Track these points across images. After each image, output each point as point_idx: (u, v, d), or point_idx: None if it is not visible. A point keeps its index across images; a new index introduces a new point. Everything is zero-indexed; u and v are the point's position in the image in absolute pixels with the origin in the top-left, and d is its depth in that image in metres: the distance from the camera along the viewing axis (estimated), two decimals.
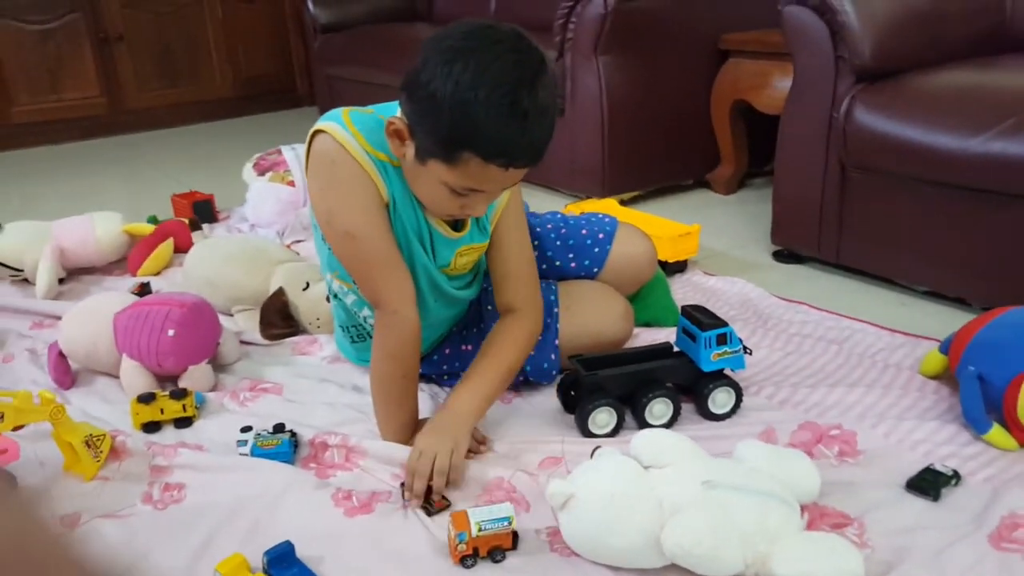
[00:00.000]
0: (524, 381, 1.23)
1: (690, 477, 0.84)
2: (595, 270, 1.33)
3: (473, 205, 0.97)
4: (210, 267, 1.50)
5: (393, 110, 1.00)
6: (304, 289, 1.44)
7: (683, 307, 1.18)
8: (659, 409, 1.12)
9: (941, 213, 1.41)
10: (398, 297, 1.02)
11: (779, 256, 1.77)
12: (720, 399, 1.14)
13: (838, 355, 1.29)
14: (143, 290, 1.63)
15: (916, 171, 1.40)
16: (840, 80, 1.49)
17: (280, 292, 1.43)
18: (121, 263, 1.83)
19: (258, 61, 3.87)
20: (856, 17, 1.42)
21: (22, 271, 1.71)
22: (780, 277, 1.68)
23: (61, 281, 1.73)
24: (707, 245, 1.87)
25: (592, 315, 1.26)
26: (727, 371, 1.15)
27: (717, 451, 1.00)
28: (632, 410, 1.12)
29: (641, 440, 0.88)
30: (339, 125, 0.98)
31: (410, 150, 0.94)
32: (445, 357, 1.24)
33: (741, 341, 1.15)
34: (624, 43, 2.01)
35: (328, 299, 1.28)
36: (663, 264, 1.62)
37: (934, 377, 1.20)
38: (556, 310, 1.23)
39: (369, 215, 0.99)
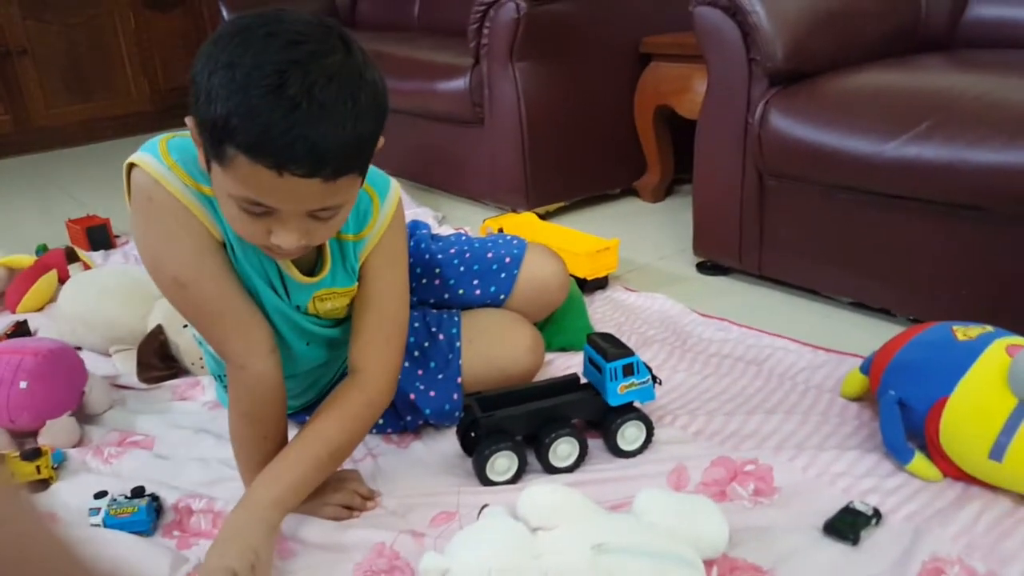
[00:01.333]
0: (425, 423, 1.13)
1: (580, 541, 0.75)
2: (501, 297, 1.23)
3: (277, 231, 0.77)
4: (83, 304, 1.37)
5: None
6: (185, 326, 1.31)
7: (589, 335, 1.10)
8: (564, 450, 1.03)
9: (860, 221, 1.35)
10: (244, 349, 0.88)
11: (703, 268, 1.70)
12: (630, 434, 1.05)
13: (757, 377, 1.22)
14: (19, 329, 1.49)
15: (832, 178, 1.34)
16: (754, 84, 1.43)
17: (158, 330, 1.31)
18: (0, 299, 1.68)
19: (177, 72, 3.70)
20: (767, 18, 1.36)
21: None
22: (702, 290, 1.61)
23: None
24: (631, 258, 1.79)
25: (498, 348, 1.16)
26: (636, 403, 1.06)
27: (624, 495, 0.92)
28: (536, 451, 1.03)
29: (528, 500, 0.79)
30: (153, 157, 0.83)
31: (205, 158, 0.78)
32: None
33: (650, 370, 1.06)
34: (540, 49, 1.92)
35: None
36: (582, 282, 1.54)
37: (856, 399, 1.13)
38: (458, 344, 1.13)
39: (198, 258, 0.85)
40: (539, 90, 1.96)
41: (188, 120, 0.77)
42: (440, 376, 1.12)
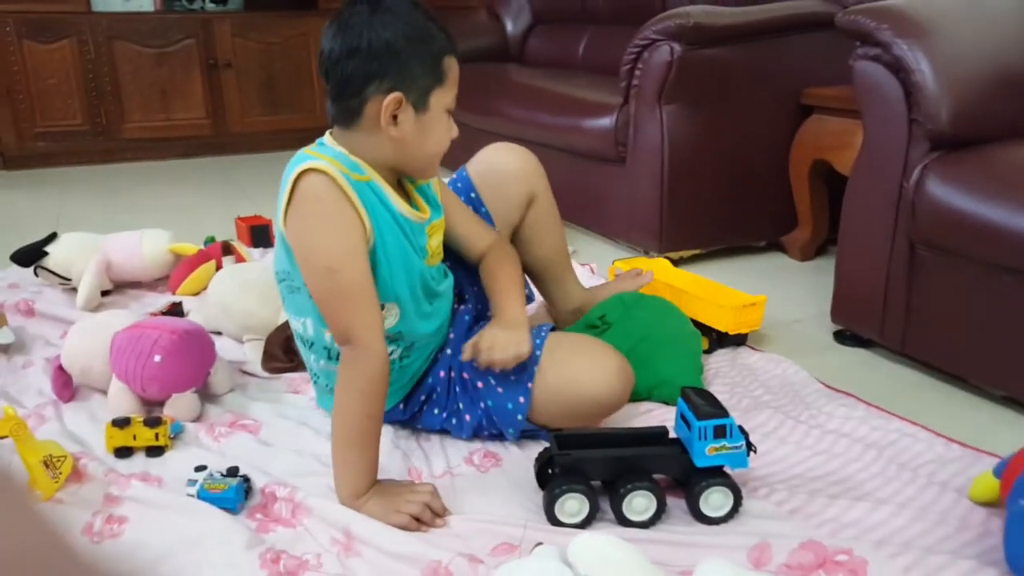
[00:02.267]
0: (488, 423, 1.14)
1: None
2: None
3: (452, 124, 1.06)
4: (227, 293, 1.49)
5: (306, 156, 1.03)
6: None
7: (683, 389, 1.05)
8: (640, 503, 0.98)
9: (1021, 307, 1.20)
10: (370, 332, 1.00)
11: (841, 337, 1.58)
12: (714, 500, 0.99)
13: (875, 462, 1.11)
14: (174, 309, 1.65)
15: (992, 256, 1.21)
16: (913, 146, 1.32)
17: (286, 325, 1.40)
18: (166, 280, 1.86)
19: None
20: (933, 77, 1.25)
21: (70, 280, 1.77)
22: (836, 361, 1.49)
23: (106, 293, 1.78)
24: (766, 316, 1.70)
25: (580, 361, 1.13)
26: (726, 469, 1.00)
27: (694, 562, 0.86)
28: (611, 500, 1.00)
29: (579, 546, 0.76)
30: (319, 161, 0.99)
31: (408, 115, 1.00)
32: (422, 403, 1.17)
33: (746, 436, 1.00)
34: (692, 93, 1.89)
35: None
36: (721, 336, 1.48)
37: (985, 504, 1.00)
38: (538, 352, 1.13)
39: (353, 247, 1.00)
40: (685, 133, 1.92)
41: (390, 99, 0.98)
42: (512, 377, 1.12)
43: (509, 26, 3.47)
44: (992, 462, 1.06)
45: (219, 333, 1.53)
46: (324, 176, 0.99)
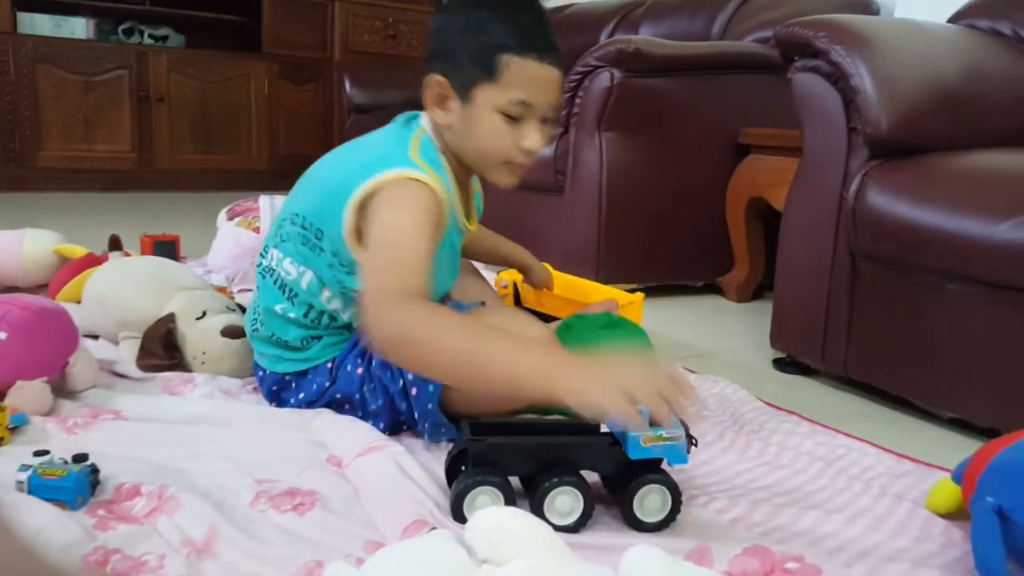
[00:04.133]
0: (406, 420, 1.02)
1: None
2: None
3: (529, 133, 0.96)
4: (104, 284, 1.32)
5: (377, 139, 1.03)
6: (199, 318, 1.24)
7: None
8: (564, 503, 0.84)
9: (969, 319, 1.14)
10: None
11: (780, 364, 1.49)
12: (651, 503, 0.85)
13: (823, 474, 1.00)
14: None
15: (933, 262, 1.15)
16: (853, 155, 1.27)
17: (169, 318, 1.23)
18: (47, 288, 1.67)
19: (297, 140, 3.87)
20: (871, 81, 1.22)
21: None
22: (776, 388, 1.39)
23: None
24: (700, 346, 1.61)
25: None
26: (664, 466, 0.87)
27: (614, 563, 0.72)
28: (529, 498, 0.85)
29: (478, 523, 0.62)
30: (418, 170, 0.94)
31: (455, 103, 0.97)
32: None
33: (686, 427, 0.88)
34: (631, 121, 1.85)
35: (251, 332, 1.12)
36: None
37: (945, 515, 0.90)
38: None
39: (430, 251, 0.92)
40: (624, 163, 1.87)
41: (434, 79, 0.97)
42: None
43: None
44: (944, 476, 0.96)
45: (96, 337, 1.35)
46: (432, 192, 0.94)
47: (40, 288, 1.66)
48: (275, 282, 1.07)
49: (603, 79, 1.80)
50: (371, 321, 0.84)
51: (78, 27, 3.38)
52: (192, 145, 3.62)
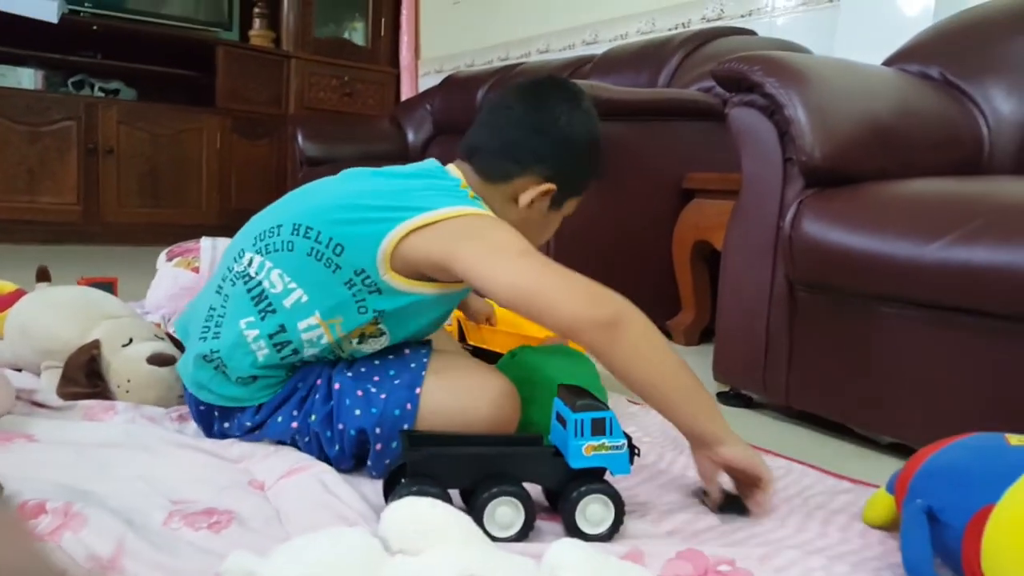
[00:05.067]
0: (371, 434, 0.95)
1: (447, 569, 0.53)
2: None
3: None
4: (27, 312, 1.26)
5: (414, 178, 1.00)
6: (124, 345, 1.19)
7: (559, 387, 0.91)
8: (504, 514, 0.81)
9: (903, 343, 1.15)
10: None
11: (724, 397, 1.49)
12: (593, 512, 0.83)
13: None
14: None
15: (867, 286, 1.17)
16: (788, 185, 1.31)
17: (93, 344, 1.18)
18: None
19: (250, 194, 3.85)
20: (805, 113, 1.26)
21: None
22: None
23: None
24: None
25: (463, 384, 0.97)
26: (608, 477, 0.85)
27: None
28: (470, 510, 0.82)
29: (392, 513, 0.59)
30: (488, 212, 0.96)
31: (544, 205, 1.03)
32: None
33: (628, 437, 0.86)
34: None
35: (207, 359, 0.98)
36: None
37: (882, 526, 0.88)
38: (425, 360, 0.98)
39: None
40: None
41: (544, 188, 1.02)
42: (397, 381, 0.95)
43: (411, 135, 3.52)
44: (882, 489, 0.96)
45: (19, 370, 1.29)
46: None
47: None
48: (251, 291, 0.96)
49: None
50: (587, 308, 0.88)
51: (25, 77, 3.35)
52: (140, 199, 3.57)
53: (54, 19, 3.32)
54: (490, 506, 0.80)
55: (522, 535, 0.81)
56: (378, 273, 0.92)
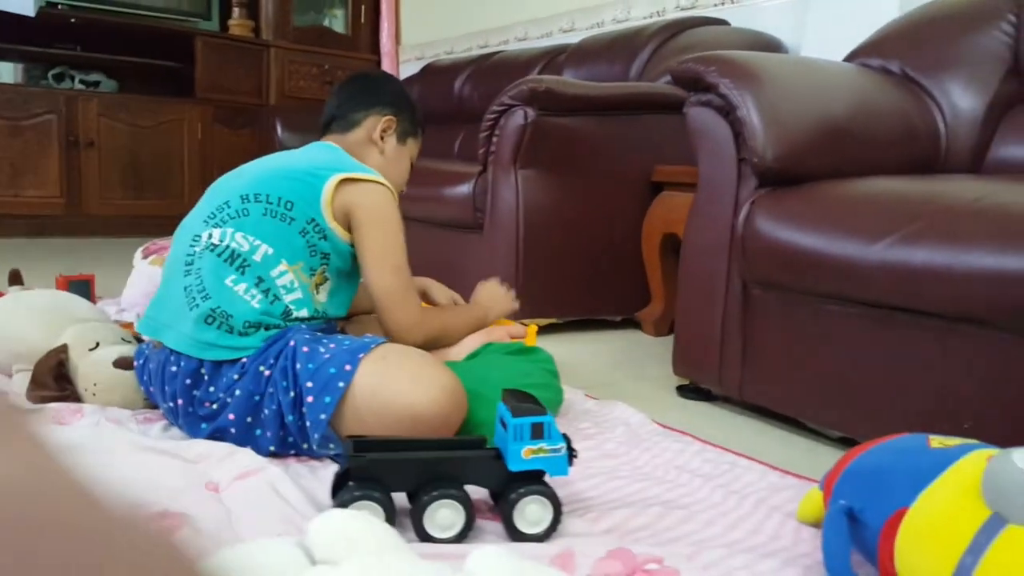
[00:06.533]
0: (293, 435, 1.03)
1: None
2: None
3: (411, 174, 1.39)
4: (1, 317, 1.29)
5: (315, 152, 1.25)
6: (91, 349, 1.22)
7: (503, 391, 0.94)
8: (445, 516, 0.84)
9: (850, 340, 1.18)
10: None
11: (683, 391, 1.52)
12: (531, 513, 0.86)
13: (702, 488, 1.02)
14: None
15: (815, 285, 1.20)
16: (742, 185, 1.33)
17: (61, 349, 1.21)
18: None
19: None
20: (758, 114, 1.28)
21: None
22: (677, 414, 1.42)
23: None
24: (608, 376, 1.64)
25: (403, 372, 1.02)
26: (546, 478, 0.88)
27: None
28: (411, 512, 0.85)
29: (317, 525, 0.62)
30: (375, 174, 1.19)
31: (392, 139, 1.32)
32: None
33: (567, 440, 0.89)
34: (546, 158, 1.90)
35: (210, 320, 1.06)
36: None
37: (814, 524, 0.92)
38: (361, 356, 1.02)
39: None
40: (541, 200, 1.91)
41: (387, 119, 1.31)
42: (345, 345, 1.04)
43: None
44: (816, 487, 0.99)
45: None
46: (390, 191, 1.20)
47: None
48: (222, 255, 1.08)
49: (517, 117, 1.86)
50: (404, 321, 1.18)
51: (5, 72, 3.36)
52: (122, 190, 3.58)
53: (31, 12, 3.31)
54: (430, 508, 0.83)
55: (462, 536, 0.84)
56: (324, 220, 1.12)
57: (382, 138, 1.30)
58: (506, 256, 1.93)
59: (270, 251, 1.09)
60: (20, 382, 1.24)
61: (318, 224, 1.12)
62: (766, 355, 1.32)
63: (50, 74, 3.55)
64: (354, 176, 1.15)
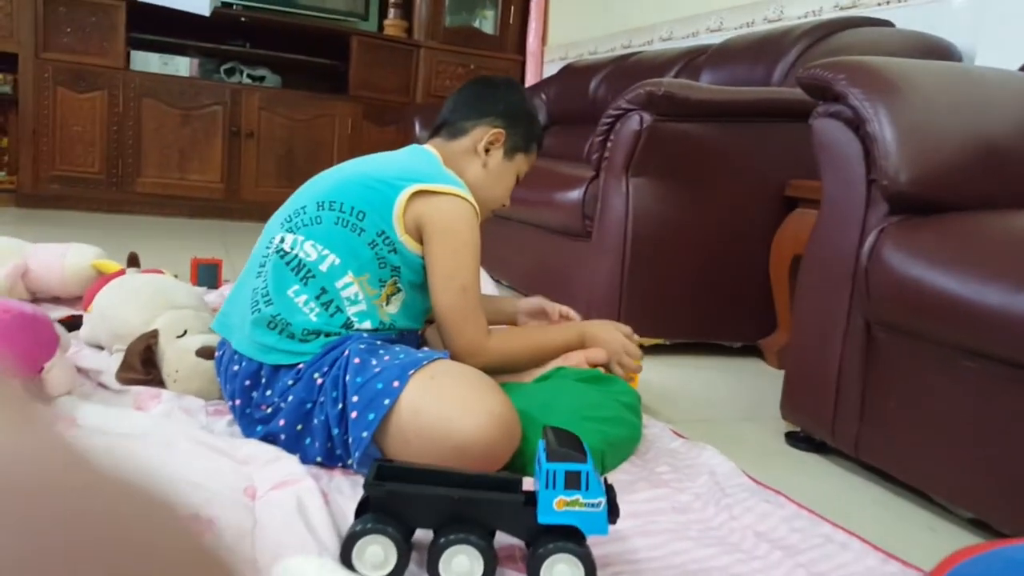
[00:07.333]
0: (339, 447, 0.99)
1: None
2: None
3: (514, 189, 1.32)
4: (107, 299, 1.37)
5: (405, 157, 1.22)
6: (179, 336, 1.25)
7: (545, 428, 0.85)
8: (461, 564, 0.77)
9: (987, 403, 0.98)
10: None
11: (793, 439, 1.35)
12: (560, 572, 0.77)
13: (781, 564, 0.87)
14: (72, 320, 1.53)
15: (950, 335, 1.01)
16: (871, 210, 1.15)
17: (151, 334, 1.25)
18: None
19: None
20: (892, 130, 1.10)
21: None
22: (780, 463, 1.26)
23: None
24: (712, 412, 1.49)
25: (453, 396, 0.96)
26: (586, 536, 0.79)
27: None
28: (428, 553, 0.78)
29: (281, 571, 0.56)
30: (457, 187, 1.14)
31: (499, 153, 1.25)
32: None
33: (610, 492, 0.79)
34: (661, 167, 1.77)
35: (272, 325, 1.07)
36: None
37: None
38: (411, 372, 0.97)
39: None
40: (652, 210, 1.78)
41: (496, 131, 1.24)
42: (399, 359, 0.99)
43: None
44: None
45: (100, 348, 1.40)
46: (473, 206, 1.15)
47: (78, 299, 1.75)
48: (289, 263, 1.08)
49: (633, 122, 1.74)
50: (466, 347, 1.12)
51: (182, 65, 3.64)
52: (275, 179, 3.79)
53: (206, 12, 3.57)
54: (447, 553, 0.77)
55: None
56: (395, 233, 1.09)
57: (487, 151, 1.24)
58: (611, 268, 1.82)
59: (337, 261, 1.07)
60: (114, 362, 1.30)
61: (388, 236, 1.10)
62: (889, 409, 1.14)
63: (222, 68, 3.82)
64: (430, 188, 1.11)
